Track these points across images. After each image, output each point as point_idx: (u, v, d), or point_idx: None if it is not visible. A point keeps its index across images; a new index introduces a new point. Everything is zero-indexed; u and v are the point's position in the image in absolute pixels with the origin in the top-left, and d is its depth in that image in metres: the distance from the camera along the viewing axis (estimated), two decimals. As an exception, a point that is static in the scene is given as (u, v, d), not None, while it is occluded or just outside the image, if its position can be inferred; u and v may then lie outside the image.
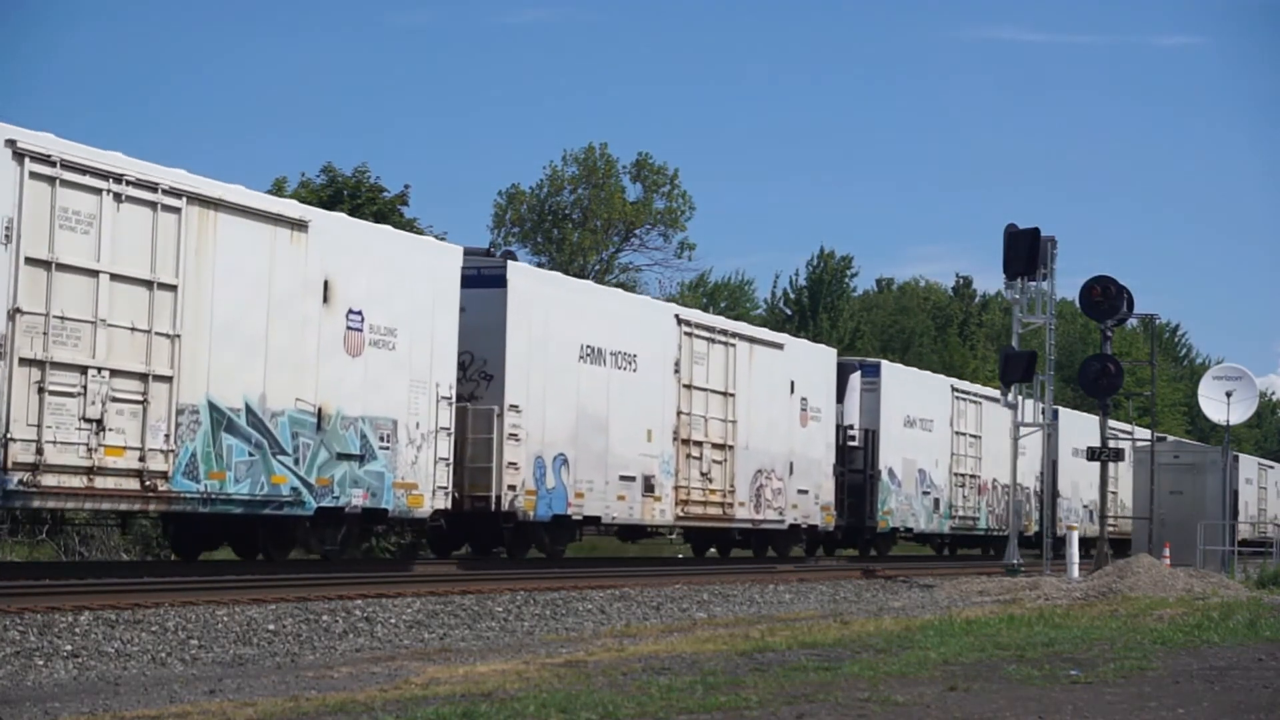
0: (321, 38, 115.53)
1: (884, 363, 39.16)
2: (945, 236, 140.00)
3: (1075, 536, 32.83)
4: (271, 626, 16.27)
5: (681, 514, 29.24)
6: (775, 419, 32.51)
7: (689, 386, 29.48)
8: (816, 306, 69.02)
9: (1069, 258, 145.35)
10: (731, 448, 30.75)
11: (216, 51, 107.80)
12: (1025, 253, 32.85)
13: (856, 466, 36.73)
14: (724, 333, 31.14)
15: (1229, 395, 37.69)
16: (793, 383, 33.23)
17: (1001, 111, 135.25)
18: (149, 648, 14.50)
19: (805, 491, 33.67)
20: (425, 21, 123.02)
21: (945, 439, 40.64)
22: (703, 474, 29.87)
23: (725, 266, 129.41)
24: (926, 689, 11.93)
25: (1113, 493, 46.76)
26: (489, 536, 27.00)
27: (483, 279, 24.75)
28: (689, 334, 29.68)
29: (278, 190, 40.79)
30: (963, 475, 41.72)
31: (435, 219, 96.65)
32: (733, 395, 30.91)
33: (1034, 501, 44.85)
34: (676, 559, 34.11)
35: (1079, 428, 47.71)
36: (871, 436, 37.05)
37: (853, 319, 69.54)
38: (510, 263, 25.40)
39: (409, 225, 39.72)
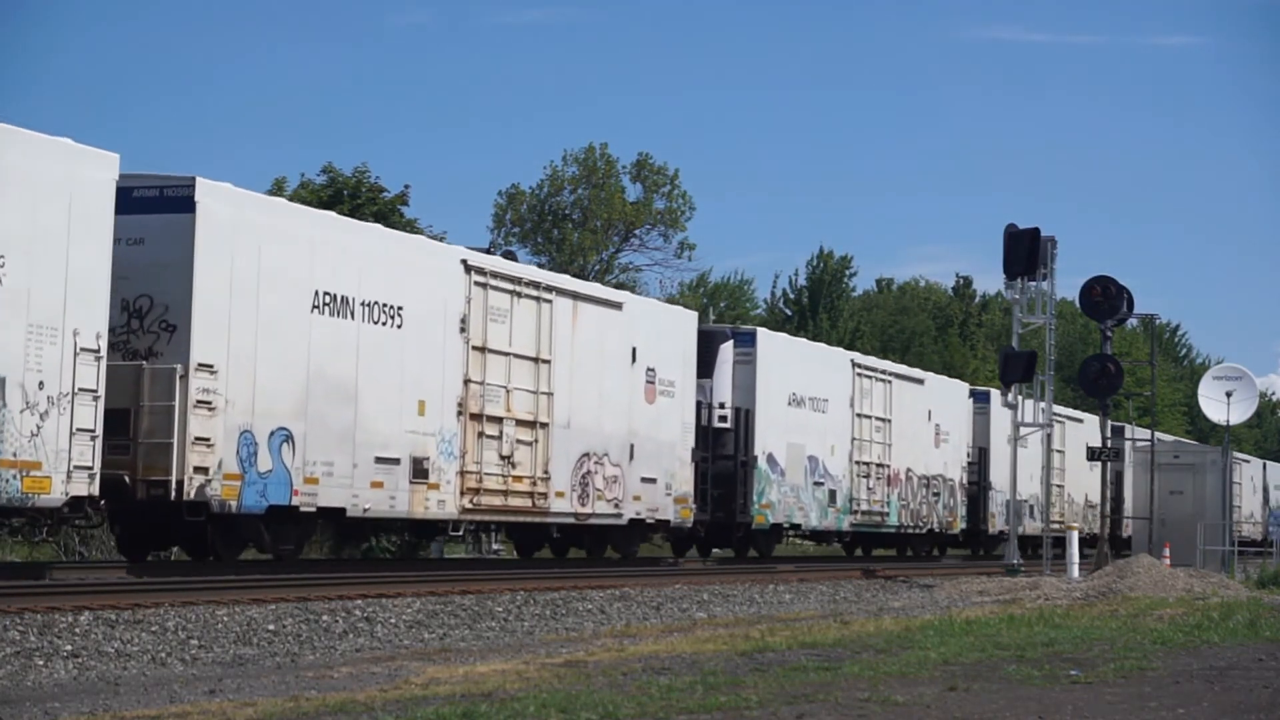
0: (321, 38, 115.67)
1: (761, 331, 33.51)
2: (945, 236, 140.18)
3: (1075, 536, 32.73)
4: (271, 626, 16.28)
5: (470, 505, 24.13)
6: (610, 393, 27.44)
7: (482, 349, 24.38)
8: (816, 306, 69.07)
9: (1069, 258, 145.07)
10: (546, 426, 25.66)
11: (217, 52, 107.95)
12: (1025, 253, 32.87)
13: (726, 452, 31.40)
14: (535, 285, 25.77)
15: (1229, 395, 37.71)
16: (635, 350, 28.10)
17: (1001, 111, 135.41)
18: (149, 648, 14.50)
19: (652, 480, 28.52)
20: (425, 22, 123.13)
21: (844, 422, 35.46)
22: (503, 457, 24.83)
23: (725, 266, 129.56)
24: (926, 689, 11.93)
25: (1059, 486, 46.67)
26: (190, 533, 21.40)
27: (166, 201, 19.70)
28: (482, 284, 24.47)
29: (277, 190, 39.85)
30: (867, 464, 36.38)
31: (435, 219, 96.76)
32: (548, 362, 25.76)
33: (960, 495, 41.29)
34: (674, 559, 33.45)
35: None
36: (746, 417, 31.89)
37: (853, 319, 69.56)
38: (202, 180, 19.97)
39: (409, 225, 39.28)
